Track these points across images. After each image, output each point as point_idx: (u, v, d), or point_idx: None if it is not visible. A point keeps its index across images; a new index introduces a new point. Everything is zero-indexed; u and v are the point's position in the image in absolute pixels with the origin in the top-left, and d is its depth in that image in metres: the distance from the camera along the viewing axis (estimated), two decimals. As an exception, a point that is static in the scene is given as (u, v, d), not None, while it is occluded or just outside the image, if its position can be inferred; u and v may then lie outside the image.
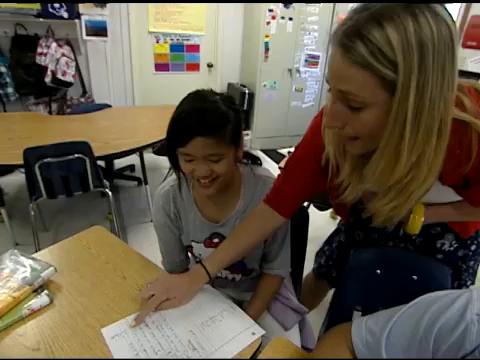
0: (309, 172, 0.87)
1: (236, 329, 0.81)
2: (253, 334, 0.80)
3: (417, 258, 0.96)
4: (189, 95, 0.87)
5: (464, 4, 3.44)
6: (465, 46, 3.48)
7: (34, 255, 0.96)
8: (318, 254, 1.35)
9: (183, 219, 1.01)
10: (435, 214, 0.84)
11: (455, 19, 3.16)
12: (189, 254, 1.11)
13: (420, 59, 0.52)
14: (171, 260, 1.08)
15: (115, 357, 0.71)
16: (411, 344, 0.56)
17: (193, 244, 1.03)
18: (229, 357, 0.74)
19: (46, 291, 0.84)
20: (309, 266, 1.40)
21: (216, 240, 1.01)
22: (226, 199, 0.97)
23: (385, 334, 0.60)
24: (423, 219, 0.82)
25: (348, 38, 0.55)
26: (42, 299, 0.82)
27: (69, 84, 3.10)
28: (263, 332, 0.81)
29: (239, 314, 0.86)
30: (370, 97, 0.57)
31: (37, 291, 0.84)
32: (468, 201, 0.79)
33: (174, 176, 0.97)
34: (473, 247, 0.98)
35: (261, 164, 1.05)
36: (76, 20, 3.00)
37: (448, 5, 0.56)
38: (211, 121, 0.80)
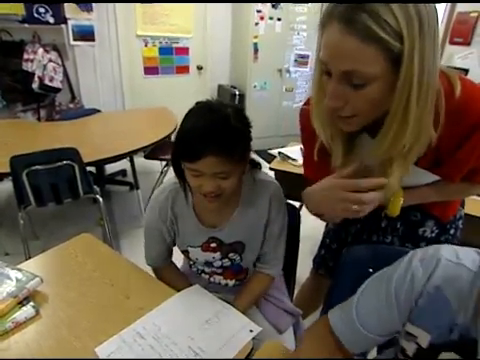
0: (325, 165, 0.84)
1: (234, 328, 0.81)
2: (251, 331, 0.81)
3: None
4: (198, 105, 0.83)
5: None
6: (452, 42, 3.51)
7: (20, 266, 0.94)
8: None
9: (180, 224, 0.99)
10: (413, 195, 0.86)
11: (441, 16, 3.18)
12: (183, 257, 1.10)
13: (420, 29, 0.55)
14: (154, 253, 1.05)
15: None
16: (379, 303, 0.64)
17: (189, 249, 1.02)
18: (231, 357, 0.74)
19: (32, 302, 0.82)
20: (302, 267, 1.39)
21: (213, 244, 0.99)
22: (224, 205, 0.95)
23: (354, 303, 0.67)
24: (402, 199, 0.83)
25: (352, 12, 0.55)
26: (28, 311, 0.80)
27: (57, 90, 3.06)
28: (260, 329, 0.82)
29: (234, 314, 0.87)
30: (376, 71, 0.58)
31: (22, 303, 0.81)
32: (444, 178, 0.82)
33: (172, 180, 0.96)
34: (452, 231, 1.01)
35: (261, 168, 1.02)
36: (62, 25, 2.97)
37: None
38: (224, 140, 0.77)
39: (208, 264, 1.04)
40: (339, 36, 0.57)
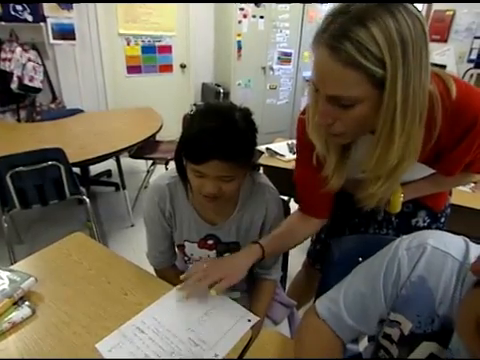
0: (316, 174, 0.87)
1: (232, 319, 0.82)
2: (249, 321, 0.82)
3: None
4: (207, 106, 0.83)
5: (426, -1, 3.59)
6: (430, 39, 3.63)
7: (12, 267, 0.92)
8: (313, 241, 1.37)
9: (178, 218, 0.99)
10: (412, 190, 0.91)
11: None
12: (178, 252, 1.10)
13: (403, 54, 0.56)
14: (158, 254, 1.04)
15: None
16: (366, 292, 0.64)
17: (186, 244, 1.02)
18: (231, 346, 0.75)
19: (27, 302, 0.81)
20: (293, 260, 1.42)
21: (210, 241, 1.00)
22: (224, 204, 0.95)
23: (342, 294, 0.68)
24: (402, 196, 0.88)
25: (336, 40, 0.58)
26: (23, 311, 0.78)
27: (38, 90, 2.99)
28: (258, 318, 0.83)
29: (231, 304, 0.88)
30: (360, 95, 0.61)
31: (17, 303, 0.80)
32: (442, 172, 0.86)
33: (169, 173, 0.96)
34: (442, 219, 1.06)
35: (259, 170, 1.04)
36: (41, 23, 2.90)
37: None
38: (230, 145, 0.76)
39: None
40: (324, 62, 0.61)
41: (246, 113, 0.83)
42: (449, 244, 0.57)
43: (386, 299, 0.61)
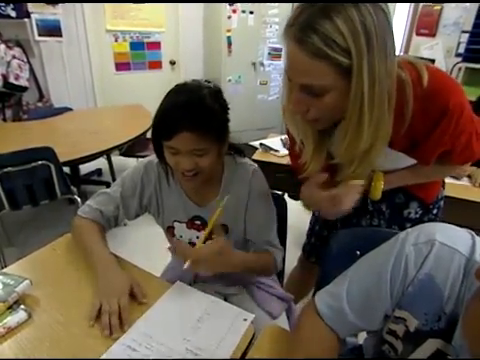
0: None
1: (227, 321, 0.79)
2: (245, 320, 0.80)
3: (393, 235, 1.00)
4: (176, 87, 0.87)
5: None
6: (418, 34, 3.66)
7: (4, 270, 0.90)
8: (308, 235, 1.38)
9: (165, 198, 1.01)
10: (395, 178, 0.93)
11: (408, 9, 3.34)
12: (167, 236, 1.11)
13: (367, 43, 0.59)
14: (94, 208, 1.01)
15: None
16: (371, 288, 0.63)
17: (175, 224, 1.03)
18: (232, 349, 0.72)
19: (23, 306, 0.78)
20: (289, 256, 1.42)
21: (198, 222, 1.02)
22: (208, 185, 0.98)
23: (345, 290, 0.66)
24: (383, 184, 0.90)
25: (303, 32, 0.60)
26: (19, 315, 0.76)
27: (24, 89, 2.92)
28: (253, 316, 0.81)
29: (223, 306, 0.85)
30: (329, 83, 0.64)
31: (12, 307, 0.78)
32: (419, 161, 0.88)
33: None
34: (435, 211, 1.08)
35: (244, 156, 1.05)
36: (26, 19, 2.82)
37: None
38: (197, 116, 0.80)
39: (192, 246, 1.05)
40: (293, 54, 0.64)
41: (215, 90, 0.87)
42: (456, 239, 0.56)
43: (392, 295, 0.60)
